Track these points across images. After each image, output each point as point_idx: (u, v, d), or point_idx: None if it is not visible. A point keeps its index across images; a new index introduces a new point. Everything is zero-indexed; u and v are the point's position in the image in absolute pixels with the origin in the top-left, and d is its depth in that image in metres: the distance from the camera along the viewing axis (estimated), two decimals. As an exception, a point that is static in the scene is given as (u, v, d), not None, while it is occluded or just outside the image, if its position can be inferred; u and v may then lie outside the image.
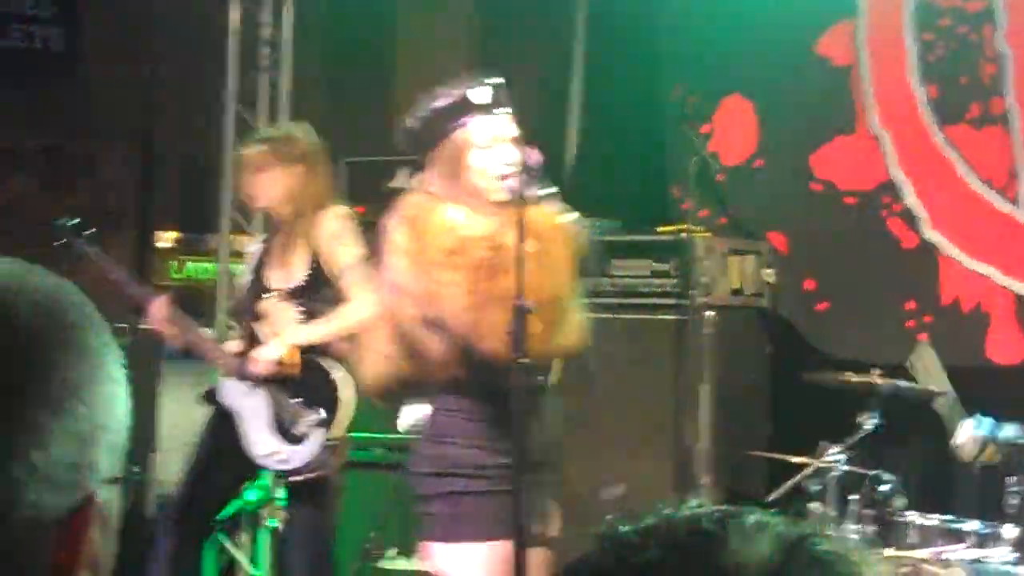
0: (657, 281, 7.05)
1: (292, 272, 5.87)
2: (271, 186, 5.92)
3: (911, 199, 7.37)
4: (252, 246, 5.98)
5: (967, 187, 7.25)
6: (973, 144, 7.32)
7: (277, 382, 5.87)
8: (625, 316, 6.99)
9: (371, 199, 7.49)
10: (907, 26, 7.49)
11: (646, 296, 7.04)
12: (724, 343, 6.87)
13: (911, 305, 7.32)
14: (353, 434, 6.33)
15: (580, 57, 8.28)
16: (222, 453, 5.97)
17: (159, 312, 5.82)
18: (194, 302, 8.12)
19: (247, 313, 5.91)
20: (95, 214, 8.31)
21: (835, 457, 6.08)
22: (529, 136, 6.93)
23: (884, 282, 7.44)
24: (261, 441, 5.84)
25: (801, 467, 6.21)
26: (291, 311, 5.86)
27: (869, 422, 6.01)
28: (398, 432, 7.16)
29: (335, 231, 5.91)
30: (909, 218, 7.38)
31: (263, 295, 5.86)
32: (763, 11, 7.73)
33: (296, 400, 5.91)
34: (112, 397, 1.21)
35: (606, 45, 8.17)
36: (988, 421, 5.70)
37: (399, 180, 4.36)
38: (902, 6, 7.50)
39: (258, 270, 5.88)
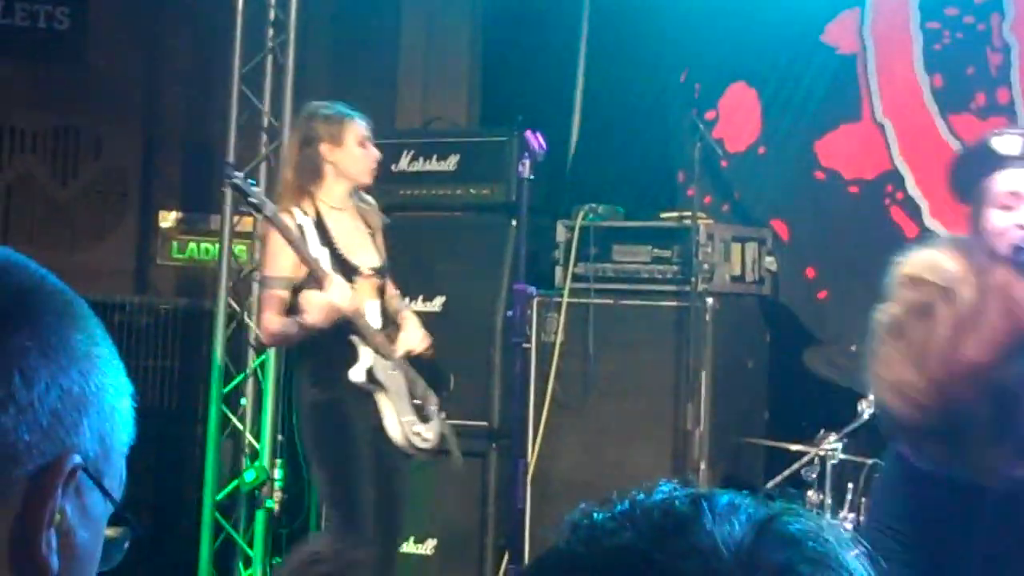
0: (658, 267, 7.05)
1: (373, 253, 5.93)
2: None
3: (912, 188, 7.37)
4: (298, 220, 5.70)
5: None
6: (977, 133, 7.29)
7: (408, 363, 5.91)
8: (626, 302, 7.00)
9: (372, 182, 7.50)
10: (913, 15, 7.48)
11: (647, 282, 7.05)
12: (724, 330, 6.88)
13: (912, 294, 7.30)
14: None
15: (585, 42, 8.28)
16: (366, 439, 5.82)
17: (342, 284, 5.60)
18: (196, 282, 8.15)
19: None
20: (100, 194, 8.35)
21: (833, 445, 6.09)
22: (534, 120, 7.00)
23: (886, 271, 7.41)
24: (406, 420, 5.79)
25: (799, 455, 6.23)
26: (375, 290, 5.88)
27: (868, 410, 6.00)
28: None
29: (384, 222, 6.05)
30: (911, 207, 7.37)
31: (353, 274, 5.77)
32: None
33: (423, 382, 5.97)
34: (112, 394, 1.18)
35: (611, 30, 8.16)
36: None
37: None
38: (909, -6, 7.49)
39: (332, 249, 5.75)
